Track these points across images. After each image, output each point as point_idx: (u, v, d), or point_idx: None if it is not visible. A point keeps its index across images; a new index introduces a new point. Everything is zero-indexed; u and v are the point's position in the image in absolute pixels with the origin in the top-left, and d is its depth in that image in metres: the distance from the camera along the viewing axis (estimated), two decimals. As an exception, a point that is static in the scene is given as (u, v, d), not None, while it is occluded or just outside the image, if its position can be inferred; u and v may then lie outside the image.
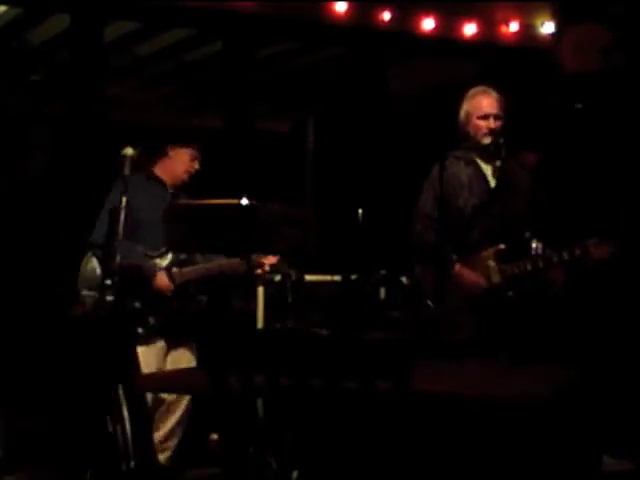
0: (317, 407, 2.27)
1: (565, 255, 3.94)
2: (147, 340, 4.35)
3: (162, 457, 4.43)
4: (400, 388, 2.18)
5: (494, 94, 4.22)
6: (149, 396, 4.21)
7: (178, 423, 4.50)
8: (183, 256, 4.46)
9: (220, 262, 4.46)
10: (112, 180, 4.33)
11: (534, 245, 3.99)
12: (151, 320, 4.36)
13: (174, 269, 4.42)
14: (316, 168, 7.34)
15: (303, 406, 2.29)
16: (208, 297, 4.60)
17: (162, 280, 4.38)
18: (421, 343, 3.45)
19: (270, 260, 4.42)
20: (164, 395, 4.43)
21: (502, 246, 4.04)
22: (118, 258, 3.75)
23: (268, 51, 6.23)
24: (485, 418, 2.60)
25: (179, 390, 3.93)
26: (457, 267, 4.09)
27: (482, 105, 4.19)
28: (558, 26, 6.06)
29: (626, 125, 5.45)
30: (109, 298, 3.71)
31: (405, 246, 4.32)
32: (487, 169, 4.21)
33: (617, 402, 4.47)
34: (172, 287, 4.38)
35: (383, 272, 4.50)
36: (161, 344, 4.44)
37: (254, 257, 4.30)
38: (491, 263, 4.06)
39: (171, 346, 4.48)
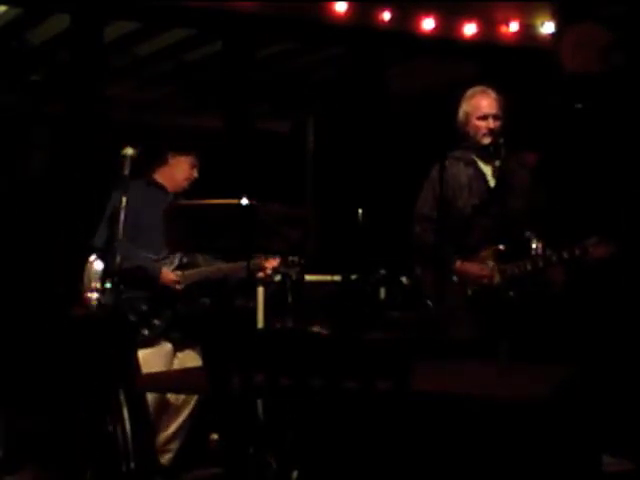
0: (317, 407, 2.27)
1: (565, 254, 3.95)
2: (153, 342, 4.37)
3: (164, 459, 4.44)
4: (400, 388, 2.18)
5: (493, 94, 4.22)
6: (153, 399, 4.22)
7: (182, 427, 4.51)
8: (185, 260, 4.47)
9: (222, 266, 4.48)
10: (112, 180, 4.33)
11: (534, 245, 3.99)
12: (156, 322, 4.38)
13: (177, 272, 4.44)
14: (316, 168, 7.34)
15: (303, 406, 2.29)
16: (211, 299, 4.61)
17: (168, 275, 4.40)
18: (421, 343, 3.45)
19: (271, 263, 4.43)
20: (171, 399, 4.44)
21: (502, 246, 4.04)
22: (118, 258, 3.76)
23: (268, 51, 6.23)
24: (485, 418, 2.60)
25: (179, 390, 3.93)
26: (458, 263, 4.10)
27: (481, 105, 4.19)
28: (558, 26, 6.06)
29: (626, 125, 5.45)
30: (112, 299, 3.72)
31: (405, 246, 4.32)
32: (487, 169, 4.21)
33: (617, 402, 4.48)
34: (178, 280, 4.40)
35: (383, 272, 4.49)
36: (168, 347, 4.44)
37: (255, 260, 4.32)
38: (491, 263, 4.06)
39: (178, 349, 4.50)
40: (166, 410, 4.46)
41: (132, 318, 4.32)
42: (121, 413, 2.76)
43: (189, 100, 7.29)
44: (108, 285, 4.13)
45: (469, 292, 4.12)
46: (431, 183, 4.20)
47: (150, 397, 4.09)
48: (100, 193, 4.69)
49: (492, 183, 4.19)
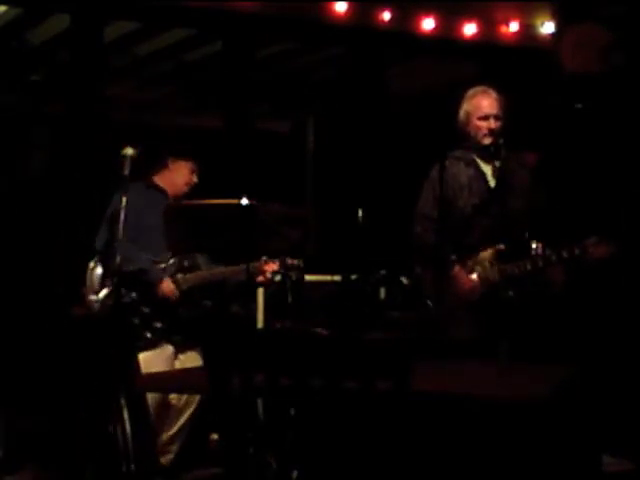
0: (317, 407, 2.27)
1: (564, 254, 3.95)
2: (155, 344, 4.37)
3: (164, 459, 4.44)
4: (400, 388, 2.18)
5: (494, 94, 4.22)
6: (155, 401, 4.23)
7: (183, 428, 4.51)
8: (187, 263, 4.49)
9: (222, 269, 4.48)
10: (112, 180, 4.33)
11: (534, 245, 3.99)
12: (158, 324, 4.39)
13: (179, 275, 4.45)
14: (316, 168, 7.34)
15: (303, 406, 2.29)
16: (212, 302, 4.62)
17: (167, 286, 4.42)
18: (421, 343, 3.45)
19: (271, 267, 4.43)
20: (173, 401, 4.44)
21: (501, 246, 4.04)
22: (118, 259, 3.76)
23: (268, 51, 6.22)
24: (485, 418, 2.60)
25: (179, 390, 3.94)
26: (456, 269, 4.09)
27: (482, 105, 4.19)
28: (558, 26, 6.05)
29: (626, 125, 5.45)
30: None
31: (405, 246, 4.32)
32: (487, 169, 4.21)
33: (617, 402, 4.47)
34: (177, 293, 4.42)
35: (383, 272, 4.49)
36: (169, 349, 4.45)
37: (255, 264, 4.33)
38: (490, 263, 4.06)
39: (179, 351, 4.50)
40: (168, 412, 4.46)
41: (134, 321, 4.33)
42: (121, 414, 2.76)
43: (189, 100, 7.29)
44: (105, 291, 4.16)
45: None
46: (431, 183, 4.20)
47: (151, 398, 4.10)
48: (100, 193, 4.70)
49: (492, 183, 4.19)
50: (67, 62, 5.42)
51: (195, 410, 4.51)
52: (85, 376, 2.82)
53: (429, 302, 4.03)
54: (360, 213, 4.88)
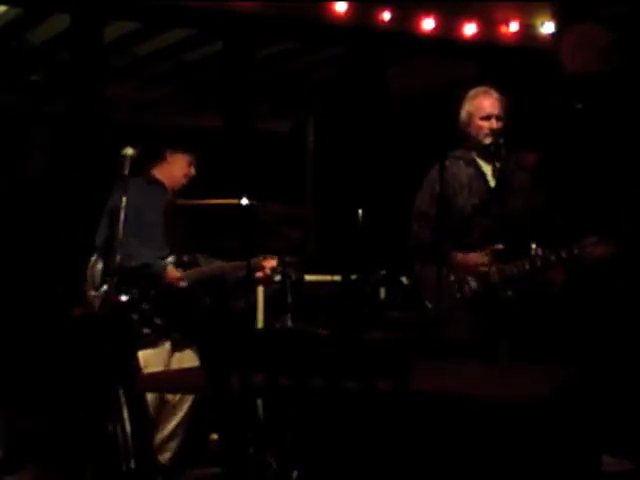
0: (317, 407, 2.27)
1: (563, 254, 3.95)
2: (154, 342, 4.38)
3: (163, 457, 4.45)
4: (400, 388, 2.18)
5: (495, 94, 4.22)
6: (151, 397, 4.23)
7: (180, 424, 4.52)
8: (186, 259, 4.49)
9: (222, 264, 4.49)
10: (112, 180, 4.34)
11: (533, 245, 3.99)
12: (157, 321, 4.39)
13: (179, 270, 4.46)
14: (316, 168, 7.34)
15: (303, 406, 2.29)
16: (211, 298, 4.62)
17: (172, 272, 4.43)
18: (421, 343, 3.45)
19: (270, 263, 4.44)
20: (168, 396, 4.44)
21: (500, 246, 4.04)
22: (118, 257, 3.77)
23: (268, 51, 6.22)
24: (485, 418, 2.60)
25: (179, 390, 3.94)
26: (459, 256, 4.08)
27: (484, 106, 4.19)
28: (558, 26, 6.05)
29: (626, 125, 5.45)
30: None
31: (405, 246, 4.32)
32: (487, 169, 4.21)
33: (617, 402, 4.47)
34: (182, 278, 4.42)
35: (383, 272, 4.50)
36: (167, 346, 4.46)
37: (255, 260, 4.33)
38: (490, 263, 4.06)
39: (177, 348, 4.50)
40: (164, 408, 4.46)
41: (134, 317, 4.33)
42: (121, 413, 2.76)
43: (189, 100, 7.29)
44: (106, 286, 4.16)
45: (457, 295, 4.10)
46: (431, 182, 4.20)
47: (149, 396, 4.10)
48: (100, 193, 4.70)
49: (492, 183, 4.19)
50: (67, 62, 5.42)
51: (191, 406, 4.50)
52: (85, 376, 2.82)
53: (428, 303, 4.03)
54: (360, 213, 4.88)
